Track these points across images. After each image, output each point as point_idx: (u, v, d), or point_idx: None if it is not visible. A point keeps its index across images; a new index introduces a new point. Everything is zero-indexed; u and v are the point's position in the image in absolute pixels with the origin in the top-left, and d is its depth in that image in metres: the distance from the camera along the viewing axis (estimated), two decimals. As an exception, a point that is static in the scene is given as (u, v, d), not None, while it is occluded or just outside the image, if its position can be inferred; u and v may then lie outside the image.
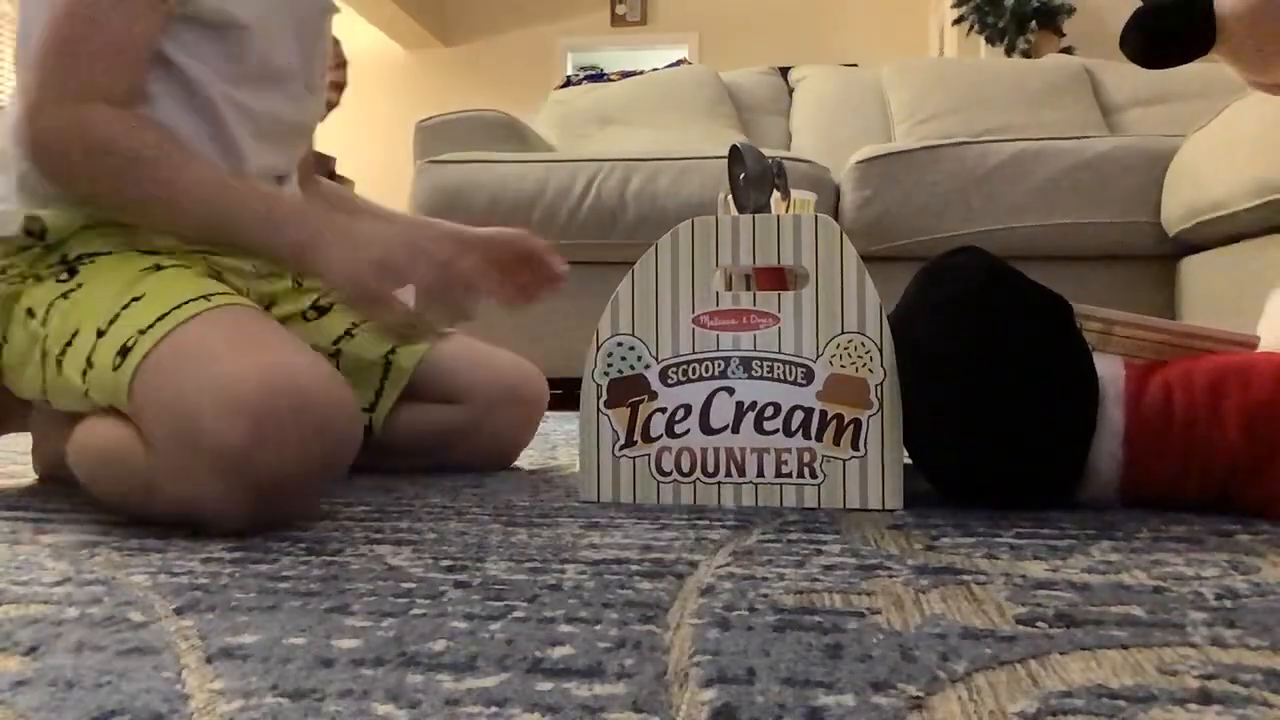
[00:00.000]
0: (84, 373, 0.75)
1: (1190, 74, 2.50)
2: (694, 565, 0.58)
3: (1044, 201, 2.01)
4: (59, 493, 0.91)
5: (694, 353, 0.80)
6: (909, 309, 0.79)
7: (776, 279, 0.87)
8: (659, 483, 0.81)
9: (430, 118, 2.40)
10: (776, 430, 0.79)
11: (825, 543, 0.65)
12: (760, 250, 0.80)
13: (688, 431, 0.80)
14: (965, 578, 0.55)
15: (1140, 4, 0.85)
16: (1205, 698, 0.36)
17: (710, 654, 0.42)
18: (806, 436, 0.79)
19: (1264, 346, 0.83)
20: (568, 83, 3.10)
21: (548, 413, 1.28)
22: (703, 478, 0.80)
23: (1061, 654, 0.41)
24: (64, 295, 0.79)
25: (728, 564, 0.59)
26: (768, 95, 2.91)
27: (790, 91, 2.94)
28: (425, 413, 1.02)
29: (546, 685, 0.38)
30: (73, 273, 0.81)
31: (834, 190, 2.12)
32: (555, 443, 1.34)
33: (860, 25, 5.67)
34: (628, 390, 0.81)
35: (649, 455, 0.81)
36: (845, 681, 0.38)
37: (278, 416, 0.67)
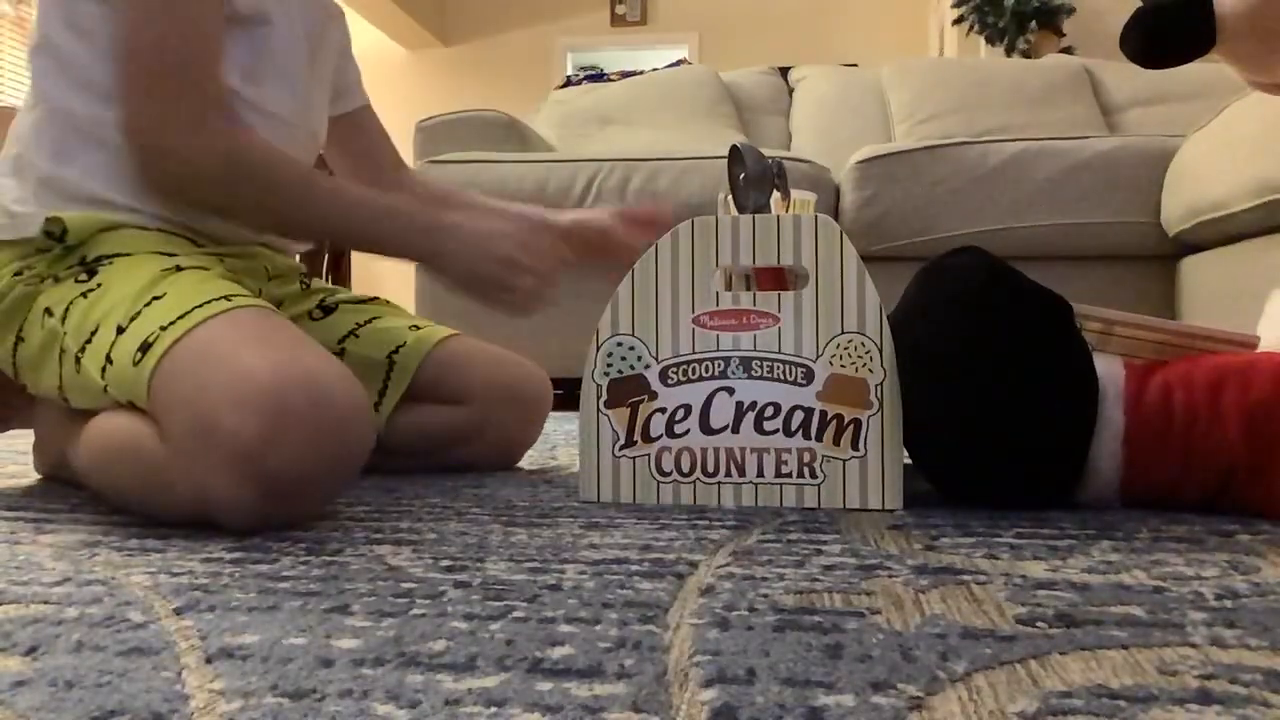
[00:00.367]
0: (103, 369, 0.76)
1: (1190, 74, 2.50)
2: (694, 565, 0.58)
3: (1044, 201, 2.01)
4: (59, 493, 0.91)
5: (694, 353, 0.80)
6: (909, 309, 0.79)
7: (777, 279, 0.87)
8: (659, 483, 0.81)
9: (430, 118, 2.40)
10: (776, 430, 0.79)
11: (825, 543, 0.65)
12: (760, 250, 0.80)
13: (688, 431, 0.80)
14: (965, 578, 0.55)
15: (1140, 4, 0.85)
16: (1205, 698, 0.36)
17: (710, 654, 0.42)
18: (806, 436, 0.79)
19: (1264, 346, 0.83)
20: (568, 83, 3.10)
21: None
22: (703, 478, 0.80)
23: (1061, 654, 0.41)
24: (84, 295, 0.80)
25: (728, 564, 0.59)
26: (768, 95, 2.91)
27: (790, 91, 2.94)
28: (429, 413, 1.03)
29: (546, 685, 0.38)
30: (92, 273, 0.82)
31: (834, 190, 2.12)
32: (555, 443, 1.34)
33: (860, 25, 5.67)
34: (628, 390, 0.81)
35: (649, 455, 0.81)
36: (845, 681, 0.38)
37: (293, 414, 0.67)
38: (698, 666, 0.40)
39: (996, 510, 0.76)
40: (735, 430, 0.79)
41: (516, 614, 0.48)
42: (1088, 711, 0.35)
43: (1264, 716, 0.35)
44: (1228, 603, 0.49)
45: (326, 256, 3.12)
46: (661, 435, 0.80)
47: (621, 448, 0.81)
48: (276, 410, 0.67)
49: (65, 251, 0.83)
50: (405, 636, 0.45)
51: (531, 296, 0.90)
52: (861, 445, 0.78)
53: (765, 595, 0.51)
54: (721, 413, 0.80)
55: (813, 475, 0.79)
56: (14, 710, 0.36)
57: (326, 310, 1.04)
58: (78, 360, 0.78)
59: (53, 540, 0.68)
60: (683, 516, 0.75)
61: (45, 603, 0.51)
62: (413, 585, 0.54)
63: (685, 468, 0.80)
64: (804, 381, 0.79)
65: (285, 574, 0.57)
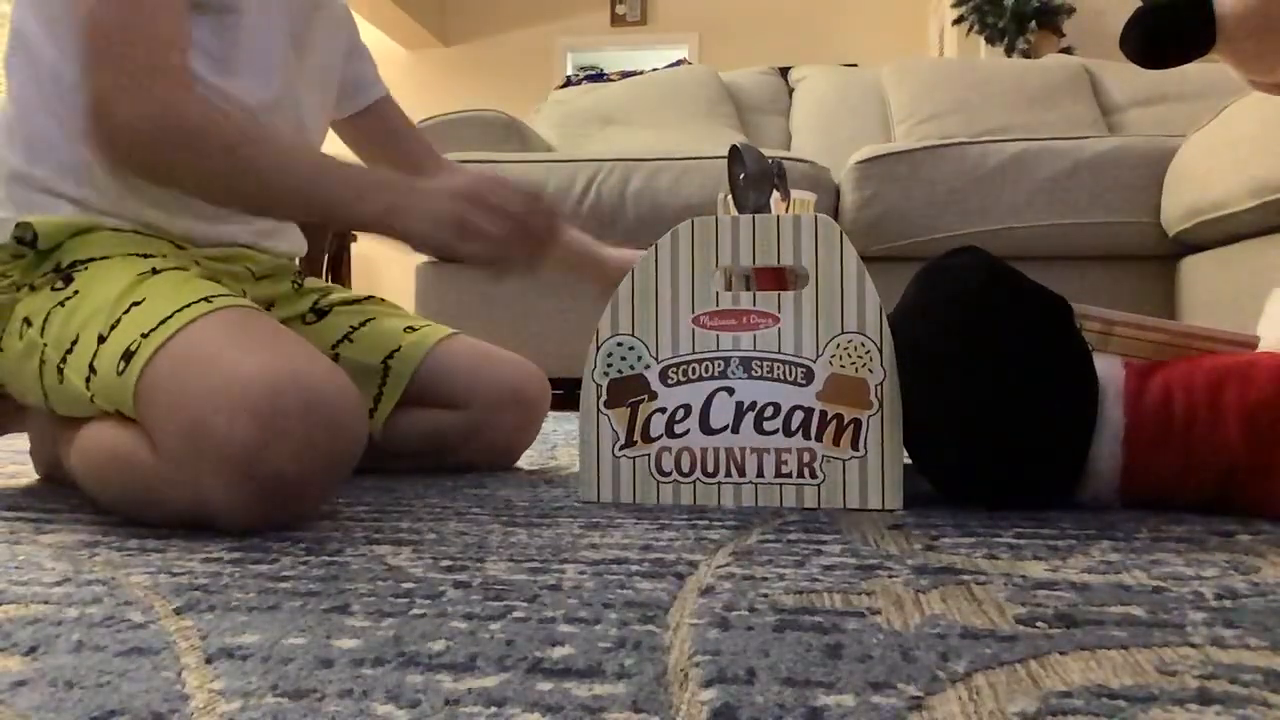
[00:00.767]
0: (88, 379, 0.75)
1: (1190, 74, 2.50)
2: (694, 565, 0.58)
3: (1044, 201, 2.01)
4: (59, 493, 0.91)
5: (694, 353, 0.80)
6: (909, 309, 0.79)
7: (777, 279, 0.87)
8: (659, 483, 0.80)
9: (430, 118, 2.40)
10: (776, 430, 0.79)
11: (825, 543, 0.65)
12: (760, 250, 0.80)
13: (687, 432, 0.80)
14: (965, 578, 0.55)
15: (1140, 4, 0.85)
16: (1205, 698, 0.36)
17: (710, 654, 0.42)
18: (806, 437, 0.79)
19: (1264, 346, 0.83)
20: (568, 83, 3.10)
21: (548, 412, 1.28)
22: (702, 478, 0.80)
23: (1061, 654, 0.41)
24: (61, 304, 0.79)
25: (728, 564, 0.59)
26: (768, 95, 2.91)
27: (790, 91, 2.94)
28: (425, 417, 1.02)
29: (546, 685, 0.38)
30: (68, 280, 0.81)
31: (834, 190, 2.12)
32: (555, 443, 1.34)
33: (860, 25, 5.67)
34: (628, 390, 0.81)
35: (649, 455, 0.81)
36: (845, 681, 0.38)
37: (285, 415, 0.67)
38: (698, 666, 0.40)
39: (996, 510, 0.76)
40: (735, 430, 0.79)
41: (516, 614, 0.48)
42: (1088, 711, 0.35)
43: (1264, 716, 0.35)
44: (1228, 603, 0.49)
45: (327, 256, 3.12)
46: (661, 435, 0.80)
47: (621, 448, 0.81)
48: (268, 411, 0.67)
49: (39, 257, 0.82)
50: (405, 636, 0.45)
51: (491, 259, 0.82)
52: (862, 445, 0.78)
53: (765, 595, 0.51)
54: (721, 413, 0.80)
55: (813, 475, 0.79)
56: (14, 710, 0.36)
57: (320, 314, 1.04)
58: (60, 371, 0.78)
59: (53, 540, 0.68)
60: (683, 516, 0.75)
61: (45, 603, 0.51)
62: (413, 585, 0.54)
63: (685, 468, 0.80)
64: (804, 381, 0.79)
65: (285, 574, 0.57)
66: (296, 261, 1.07)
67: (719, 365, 0.80)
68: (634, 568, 0.58)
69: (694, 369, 0.80)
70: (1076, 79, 2.69)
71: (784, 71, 3.01)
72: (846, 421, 0.78)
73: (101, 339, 0.75)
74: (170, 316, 0.73)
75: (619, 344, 0.81)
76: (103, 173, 0.84)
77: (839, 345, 0.79)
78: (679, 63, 3.32)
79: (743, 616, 0.47)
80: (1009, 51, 4.07)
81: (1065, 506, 0.77)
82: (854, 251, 0.79)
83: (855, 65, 3.37)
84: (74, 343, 0.77)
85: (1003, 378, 0.73)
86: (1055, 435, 0.73)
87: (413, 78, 5.99)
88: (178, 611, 0.49)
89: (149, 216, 0.86)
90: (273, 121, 0.94)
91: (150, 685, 0.39)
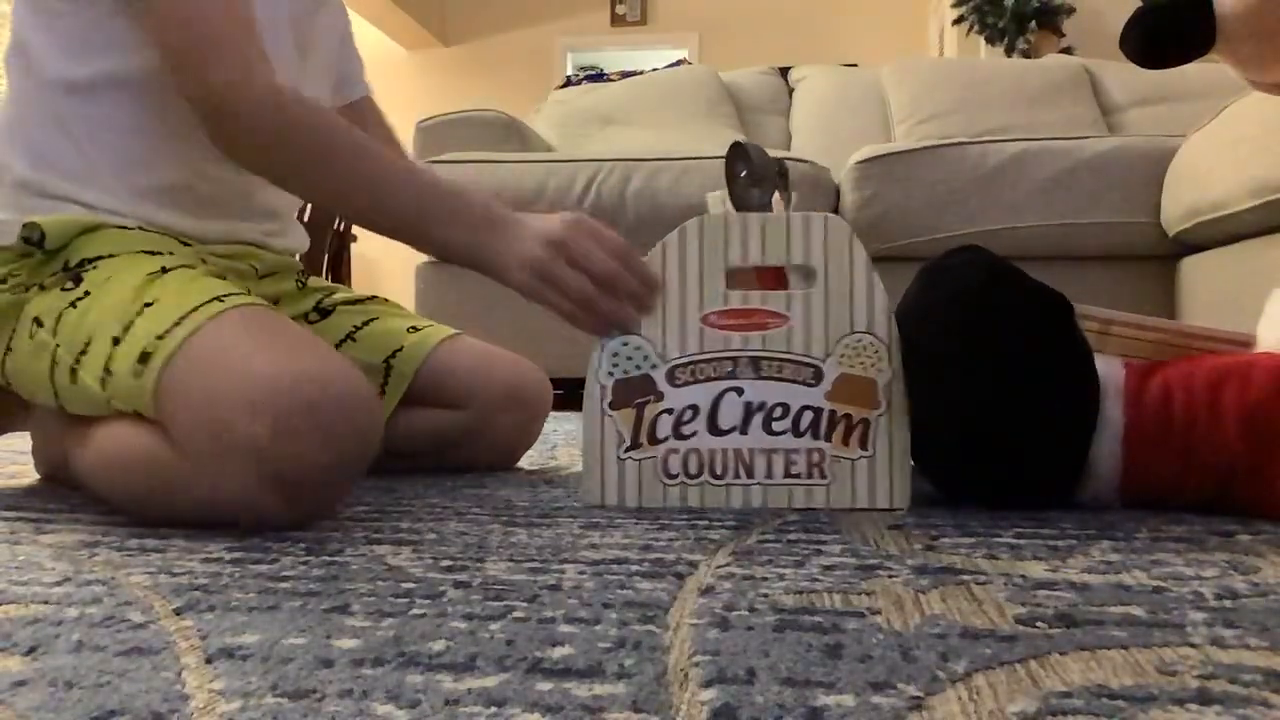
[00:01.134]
0: (103, 380, 0.75)
1: (1190, 74, 2.50)
2: (694, 565, 0.58)
3: (1044, 201, 2.01)
4: (59, 493, 0.91)
5: (702, 353, 0.79)
6: (910, 308, 0.79)
7: (776, 279, 0.86)
8: (666, 485, 0.79)
9: (430, 118, 2.40)
10: (785, 431, 0.78)
11: (825, 543, 0.65)
12: (770, 249, 0.79)
13: (695, 433, 0.79)
14: (965, 578, 0.55)
15: (1140, 4, 0.85)
16: (1205, 698, 0.36)
17: (710, 654, 0.42)
18: (815, 437, 0.78)
19: (1264, 346, 0.83)
20: (568, 83, 3.10)
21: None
22: (710, 480, 0.79)
23: (1061, 654, 0.41)
24: (72, 304, 0.79)
25: (728, 564, 0.59)
26: (768, 95, 2.91)
27: (790, 91, 2.94)
28: (426, 417, 1.02)
29: (546, 685, 0.38)
30: (77, 280, 0.80)
31: (834, 190, 2.12)
32: (555, 443, 1.34)
33: (860, 25, 5.67)
34: (634, 391, 0.79)
35: (655, 458, 0.79)
36: (845, 681, 0.38)
37: (306, 414, 0.68)
38: (698, 666, 0.40)
39: (996, 510, 0.76)
40: (744, 431, 0.79)
41: (516, 614, 0.48)
42: (1088, 711, 0.35)
43: (1264, 717, 0.35)
44: (1228, 603, 0.49)
45: (327, 256, 3.12)
46: (668, 437, 0.79)
47: (627, 450, 0.79)
48: (290, 411, 0.67)
49: (47, 257, 0.82)
50: (405, 636, 0.45)
51: (569, 314, 0.79)
52: (870, 445, 0.78)
53: (765, 595, 0.51)
54: (730, 413, 0.79)
55: (822, 476, 0.78)
56: (14, 710, 0.36)
57: (323, 313, 1.04)
58: (74, 372, 0.78)
59: (53, 540, 0.68)
60: (683, 516, 0.75)
61: (45, 603, 0.51)
62: (413, 585, 0.54)
63: (693, 470, 0.79)
64: (813, 382, 0.78)
65: (285, 574, 0.57)
66: (298, 258, 1.07)
67: (728, 365, 0.79)
68: (634, 568, 0.58)
69: (702, 369, 0.79)
70: (1076, 79, 2.69)
71: (784, 71, 3.01)
72: (855, 421, 0.78)
73: (116, 341, 0.75)
74: (184, 318, 0.73)
75: (624, 344, 0.79)
76: (111, 175, 0.84)
77: (848, 345, 0.78)
78: (679, 63, 3.32)
79: (743, 616, 0.47)
80: (1009, 51, 4.07)
81: (1065, 506, 0.77)
82: (863, 251, 0.79)
83: (855, 65, 3.37)
84: (87, 344, 0.77)
85: (1003, 377, 0.73)
86: (1056, 435, 0.73)
87: (413, 78, 5.99)
88: (178, 611, 0.49)
89: (157, 216, 0.86)
90: None
91: (150, 685, 0.39)
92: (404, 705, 0.36)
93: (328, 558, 0.61)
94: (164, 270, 0.80)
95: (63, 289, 0.80)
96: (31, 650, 0.43)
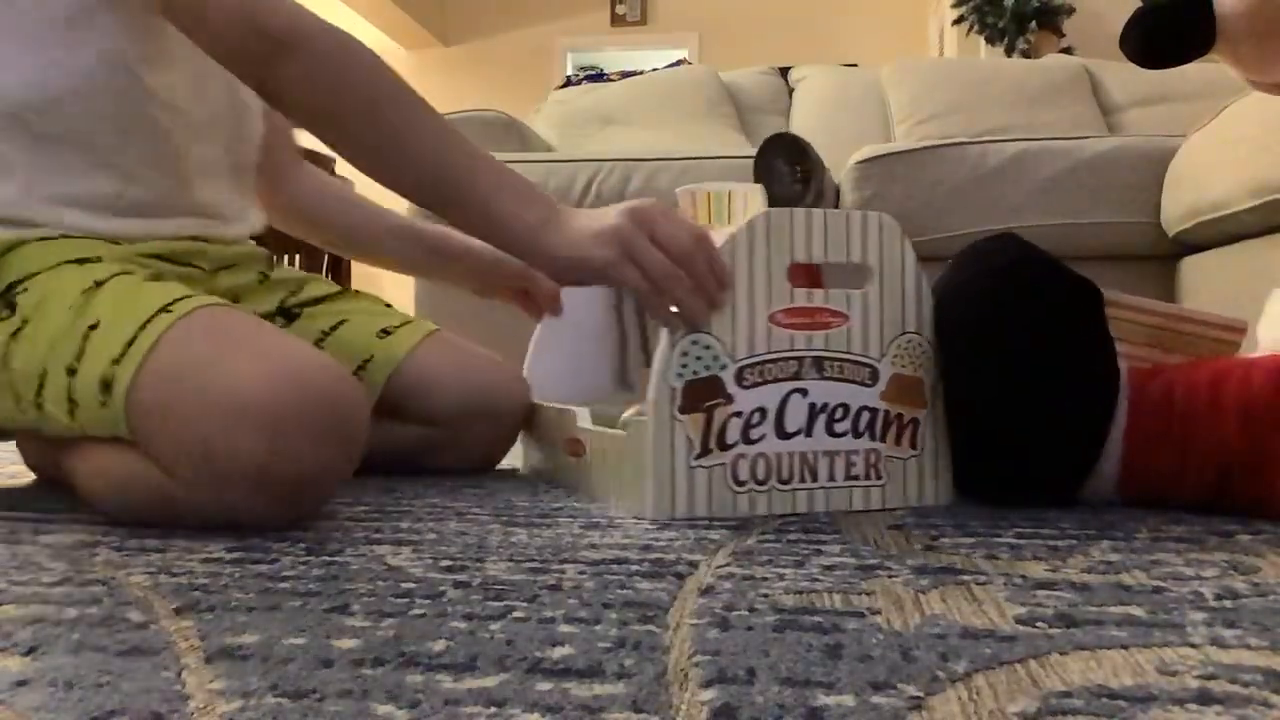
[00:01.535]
0: (70, 412, 0.73)
1: (1190, 74, 2.50)
2: (694, 565, 0.58)
3: (1044, 201, 2.01)
4: (59, 493, 0.91)
5: (769, 352, 0.75)
6: (940, 292, 0.80)
7: (810, 277, 0.84)
8: (735, 494, 0.74)
9: (430, 118, 2.39)
10: (846, 432, 0.76)
11: (825, 543, 0.65)
12: (832, 247, 0.77)
13: (763, 437, 0.75)
14: (965, 578, 0.55)
15: (1140, 4, 0.85)
16: (1205, 698, 0.36)
17: (710, 654, 0.42)
18: (872, 438, 0.77)
19: (1264, 346, 0.83)
20: (568, 83, 3.10)
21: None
22: (778, 485, 0.75)
23: (1061, 654, 0.41)
24: (13, 335, 0.76)
25: (728, 564, 0.59)
26: (768, 95, 2.91)
27: (790, 91, 2.93)
28: (395, 431, 0.99)
29: (546, 685, 0.38)
30: (12, 307, 0.77)
31: (834, 190, 2.12)
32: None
33: (860, 25, 5.67)
34: (704, 393, 0.73)
35: (725, 464, 0.74)
36: (845, 681, 0.38)
37: (292, 422, 0.67)
38: (698, 666, 0.40)
39: (997, 509, 0.76)
40: (809, 434, 0.76)
41: (516, 614, 0.48)
42: (1088, 711, 0.35)
43: (1264, 716, 0.35)
44: (1228, 603, 0.49)
45: (327, 256, 3.11)
46: (737, 442, 0.74)
47: (697, 458, 0.73)
48: (274, 422, 0.66)
49: None
50: (405, 636, 0.45)
51: (647, 294, 0.73)
52: (919, 444, 0.78)
53: (765, 595, 0.51)
54: (795, 416, 0.75)
55: (878, 476, 0.78)
56: (14, 710, 0.36)
57: (289, 316, 1.00)
58: (39, 406, 0.75)
59: (53, 540, 0.68)
60: (682, 516, 0.75)
61: (45, 603, 0.51)
62: (413, 585, 0.54)
63: (761, 475, 0.75)
64: (870, 382, 0.77)
65: (285, 574, 0.57)
66: (253, 244, 1.01)
67: (793, 365, 0.75)
68: (634, 568, 0.58)
69: (769, 370, 0.75)
70: (1076, 79, 2.69)
71: (784, 71, 3.01)
72: (906, 421, 0.78)
73: (71, 371, 0.72)
74: (135, 338, 0.71)
75: (694, 342, 0.73)
76: (31, 188, 0.80)
77: (900, 345, 0.78)
78: (679, 63, 3.32)
79: (743, 616, 0.47)
80: (1009, 51, 4.07)
81: (1065, 505, 0.77)
82: (913, 251, 0.79)
83: (855, 65, 3.37)
84: (43, 377, 0.74)
85: (1010, 372, 0.74)
86: (1072, 427, 0.74)
87: (413, 78, 5.95)
88: (178, 611, 0.49)
89: (81, 222, 0.82)
90: (208, 127, 0.90)
91: (150, 685, 0.39)
92: (404, 705, 0.36)
93: (328, 558, 0.61)
94: (97, 284, 0.76)
95: None
96: (31, 650, 0.43)
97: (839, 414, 0.76)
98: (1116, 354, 0.75)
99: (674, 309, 0.73)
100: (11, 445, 1.31)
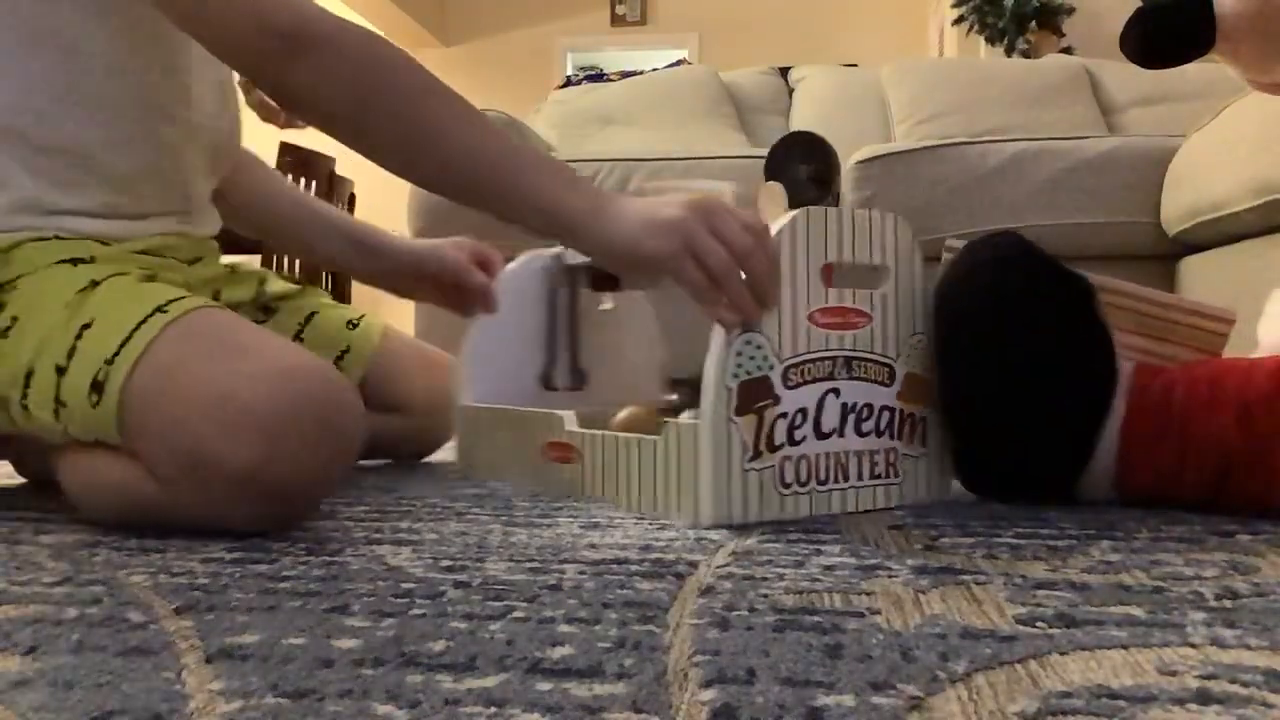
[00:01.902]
0: (56, 412, 0.73)
1: (1190, 74, 2.50)
2: (694, 565, 0.58)
3: (1044, 201, 2.01)
4: (56, 493, 0.91)
5: (809, 352, 0.74)
6: (937, 290, 0.81)
7: (828, 278, 0.84)
8: (781, 496, 0.73)
9: (430, 118, 2.39)
10: (870, 432, 0.77)
11: (825, 543, 0.65)
12: (859, 247, 0.77)
13: (804, 438, 0.74)
14: (965, 578, 0.55)
15: (1140, 4, 0.85)
16: (1205, 698, 0.36)
17: (710, 654, 0.42)
18: (891, 437, 0.78)
19: (1264, 347, 0.83)
20: (568, 83, 3.10)
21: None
22: (816, 487, 0.75)
23: (1061, 654, 0.41)
24: (2, 334, 0.75)
25: (728, 564, 0.59)
26: (768, 95, 2.90)
27: (790, 91, 2.93)
28: (374, 419, 1.00)
29: (546, 685, 0.38)
30: (0, 306, 0.76)
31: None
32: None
33: (860, 25, 5.67)
34: (755, 394, 0.72)
35: (773, 466, 0.73)
36: (845, 681, 0.38)
37: (286, 426, 0.66)
38: (698, 666, 0.40)
39: (997, 508, 0.76)
40: (841, 434, 0.76)
41: (516, 614, 0.48)
42: (1088, 711, 0.35)
43: (1264, 716, 0.35)
44: (1228, 603, 0.49)
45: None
46: (784, 444, 0.73)
47: (750, 460, 0.72)
48: (268, 427, 0.66)
49: None
50: (405, 636, 0.45)
51: (707, 292, 0.70)
52: (926, 441, 0.80)
53: (765, 595, 0.51)
54: (830, 416, 0.75)
55: (896, 475, 0.79)
56: (14, 710, 0.36)
57: (267, 310, 1.02)
58: (24, 407, 0.75)
59: (53, 540, 0.68)
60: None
61: (45, 603, 0.51)
62: (413, 585, 0.54)
63: (803, 477, 0.74)
64: (888, 382, 0.78)
65: (285, 574, 0.57)
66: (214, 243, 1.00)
67: (828, 365, 0.75)
68: (634, 568, 0.58)
69: (809, 369, 0.74)
70: (1076, 79, 2.69)
71: (784, 71, 3.00)
72: (918, 419, 0.80)
73: (61, 370, 0.72)
74: (129, 338, 0.70)
75: (748, 342, 0.71)
76: (16, 166, 0.78)
77: (912, 345, 0.79)
78: (679, 63, 3.32)
79: (743, 616, 0.47)
80: (1009, 51, 4.07)
81: (1065, 506, 0.77)
82: (921, 254, 0.80)
83: (855, 65, 3.37)
84: (29, 376, 0.73)
85: (1004, 368, 0.75)
86: (1062, 425, 0.74)
87: (413, 78, 5.99)
88: (178, 611, 0.49)
89: (64, 223, 0.80)
90: (206, 131, 0.89)
91: (150, 685, 0.39)
92: (404, 705, 0.36)
93: (328, 558, 0.61)
94: (93, 284, 0.75)
95: None
96: (31, 650, 0.43)
97: (865, 414, 0.77)
98: (1114, 350, 0.75)
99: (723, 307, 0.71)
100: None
